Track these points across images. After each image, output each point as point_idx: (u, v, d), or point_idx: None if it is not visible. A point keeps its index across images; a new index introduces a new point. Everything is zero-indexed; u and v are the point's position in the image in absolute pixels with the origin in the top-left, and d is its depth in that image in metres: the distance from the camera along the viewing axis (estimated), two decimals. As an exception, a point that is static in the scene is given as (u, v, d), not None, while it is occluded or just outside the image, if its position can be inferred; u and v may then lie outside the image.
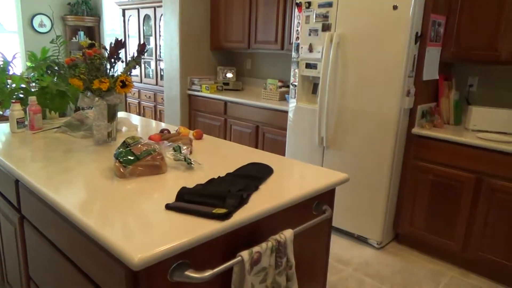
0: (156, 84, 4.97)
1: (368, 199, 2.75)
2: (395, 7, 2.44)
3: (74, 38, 6.50)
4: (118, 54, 1.83)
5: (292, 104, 3.09)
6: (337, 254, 2.69)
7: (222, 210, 1.10)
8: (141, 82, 5.24)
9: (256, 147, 3.68)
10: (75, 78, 1.73)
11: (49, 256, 1.36)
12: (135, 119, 2.52)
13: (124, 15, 5.36)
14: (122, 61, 1.89)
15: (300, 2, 2.88)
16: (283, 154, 3.35)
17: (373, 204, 2.73)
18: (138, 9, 5.06)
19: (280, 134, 3.43)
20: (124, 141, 1.46)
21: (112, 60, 1.83)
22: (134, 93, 5.34)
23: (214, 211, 1.10)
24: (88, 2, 6.50)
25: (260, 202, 1.22)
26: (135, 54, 1.86)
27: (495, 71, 2.80)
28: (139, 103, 5.28)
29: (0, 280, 2.11)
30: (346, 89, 2.74)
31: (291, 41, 3.56)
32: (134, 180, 1.36)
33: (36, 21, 6.18)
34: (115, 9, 6.03)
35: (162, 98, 4.83)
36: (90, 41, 1.83)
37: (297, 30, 2.96)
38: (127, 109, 5.55)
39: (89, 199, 1.19)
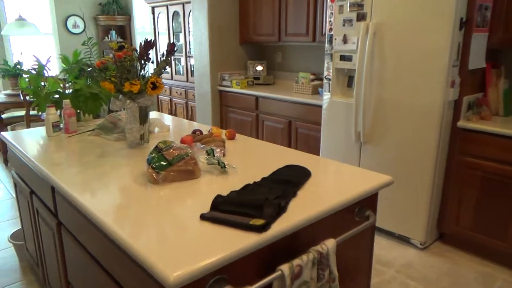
0: (187, 81, 4.96)
1: (410, 197, 2.60)
2: (437, -8, 2.26)
3: (106, 37, 6.60)
4: (148, 54, 1.79)
5: (326, 98, 2.97)
6: (378, 255, 2.58)
7: (259, 221, 1.03)
8: (172, 79, 5.25)
9: (289, 143, 3.59)
10: (106, 81, 1.70)
11: (85, 263, 1.35)
12: (167, 119, 2.49)
13: (153, 13, 5.38)
14: (152, 62, 1.86)
15: (333, -9, 2.75)
16: (317, 150, 3.24)
17: (416, 202, 2.58)
18: (167, 6, 5.05)
19: (314, 129, 3.33)
20: (156, 146, 1.42)
21: (142, 61, 1.79)
22: (165, 90, 5.36)
23: (251, 222, 1.03)
24: (118, 2, 6.58)
25: (299, 210, 1.14)
26: (165, 54, 1.82)
27: (550, 57, 2.57)
28: (170, 100, 5.30)
29: (42, 282, 2.15)
30: (384, 81, 2.59)
31: (323, 33, 3.43)
32: (167, 186, 1.32)
33: (70, 23, 6.32)
34: (145, 7, 6.06)
35: (193, 95, 4.82)
36: (120, 43, 1.80)
37: (330, 21, 2.83)
38: (159, 106, 5.60)
39: (122, 207, 1.16)
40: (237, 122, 4.12)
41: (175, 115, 5.26)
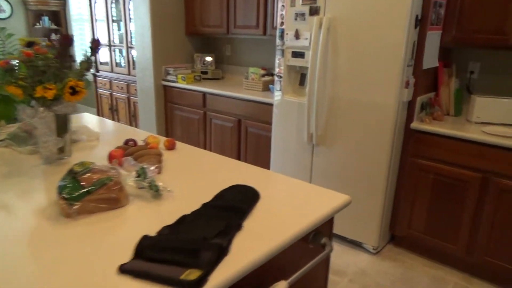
0: (129, 74, 4.58)
1: (363, 201, 2.51)
2: (392, -13, 2.14)
3: (37, 24, 5.99)
4: (67, 52, 1.50)
5: (277, 97, 2.79)
6: (331, 263, 2.47)
7: (194, 274, 0.82)
8: (112, 71, 4.84)
9: (239, 143, 3.39)
10: (11, 85, 1.39)
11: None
12: (99, 123, 2.19)
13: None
14: (74, 61, 1.57)
15: (284, -18, 2.55)
16: (268, 151, 3.07)
17: (369, 205, 2.49)
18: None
19: (265, 128, 3.15)
20: (70, 169, 1.15)
21: (62, 60, 1.49)
22: (105, 83, 4.94)
23: (183, 276, 0.82)
24: (51, -17, 5.96)
25: (246, 249, 0.94)
26: (88, 52, 1.53)
27: (498, 56, 2.56)
28: (111, 94, 4.89)
29: None
30: (338, 81, 2.45)
31: (274, 26, 3.24)
32: (83, 221, 1.07)
33: (-6, 6, 5.64)
34: (82, -9, 5.55)
35: (135, 89, 4.45)
36: (29, 39, 1.49)
37: (282, 14, 2.64)
38: (98, 102, 5.16)
39: (11, 264, 0.89)
40: (183, 120, 3.84)
41: (116, 111, 4.86)
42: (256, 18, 3.37)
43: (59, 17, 6.13)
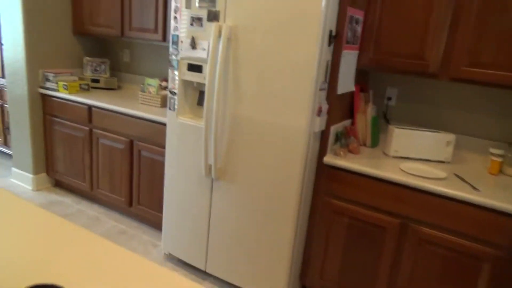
0: (2, 76, 3.74)
1: (269, 245, 2.10)
2: (303, -5, 1.77)
3: None
4: None
5: (171, 118, 2.29)
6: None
7: None
8: (3, 76, 3.94)
9: (131, 168, 2.81)
10: None
11: None
12: None
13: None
14: None
15: (178, -22, 2.07)
16: (163, 179, 2.54)
17: (276, 252, 2.08)
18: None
19: (161, 153, 2.62)
20: None
21: None
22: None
23: None
24: None
25: None
26: None
27: (417, 83, 2.33)
28: (1, 106, 3.98)
29: None
30: (241, 102, 2.02)
31: (175, 31, 2.73)
32: None
33: None
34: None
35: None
36: None
37: (175, 17, 2.15)
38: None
39: None
40: (65, 137, 3.15)
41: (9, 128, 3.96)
42: (154, 20, 2.84)
43: None
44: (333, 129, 2.06)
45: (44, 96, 3.20)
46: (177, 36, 2.15)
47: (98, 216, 3.00)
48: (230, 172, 2.13)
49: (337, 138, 2.12)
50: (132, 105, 2.84)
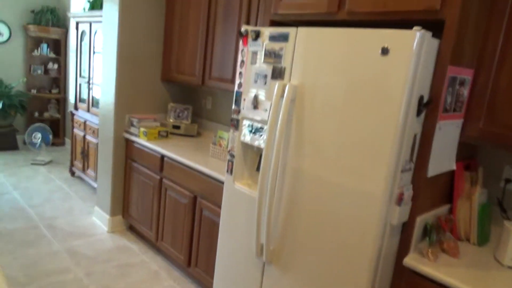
0: (88, 111, 4.02)
1: None
2: (384, 51, 1.39)
3: (36, 51, 5.65)
4: None
5: (228, 182, 2.04)
6: None
7: None
8: (88, 111, 4.29)
9: (192, 226, 2.62)
10: None
11: None
12: None
13: (77, 28, 4.47)
14: None
15: (246, 31, 1.86)
16: (218, 248, 2.28)
17: None
18: (90, 23, 4.16)
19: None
20: None
21: None
22: (80, 124, 4.38)
23: None
24: (54, 11, 5.66)
25: None
26: None
27: (552, 164, 1.71)
28: (84, 137, 4.31)
29: None
30: (301, 176, 1.68)
31: (250, 83, 2.53)
32: None
33: (-9, 30, 5.37)
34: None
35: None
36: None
37: (240, 72, 1.94)
38: (73, 143, 4.59)
39: None
40: (140, 183, 3.14)
41: (87, 157, 4.26)
42: (232, 70, 2.70)
43: (59, 46, 5.78)
44: (420, 220, 1.57)
45: (127, 140, 3.27)
46: (240, 93, 1.93)
47: (159, 272, 2.86)
48: (285, 257, 1.76)
49: (426, 232, 1.61)
50: (202, 157, 2.69)
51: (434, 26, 1.49)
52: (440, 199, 1.71)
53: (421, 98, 1.43)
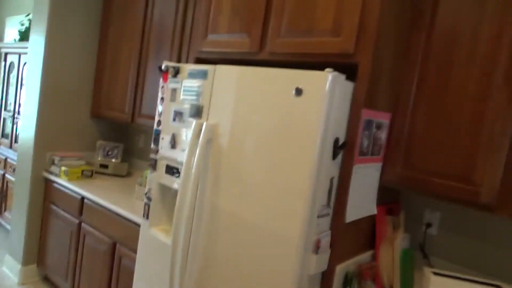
0: (10, 147, 3.70)
1: None
2: (298, 92, 1.35)
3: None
4: None
5: (144, 228, 1.86)
6: None
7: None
8: (11, 147, 3.95)
9: (110, 278, 2.37)
10: None
11: None
12: None
13: (5, 60, 4.19)
14: None
15: (166, 67, 1.78)
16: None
17: None
18: (19, 54, 3.92)
19: (140, 263, 2.16)
20: None
21: None
22: (0, 161, 4.01)
23: None
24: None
25: None
26: None
27: (467, 208, 1.73)
28: (3, 176, 3.93)
29: None
30: (218, 222, 1.56)
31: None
32: None
33: None
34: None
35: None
36: None
37: (159, 111, 1.83)
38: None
39: None
40: (57, 229, 2.85)
41: (5, 198, 3.86)
42: (162, 108, 2.58)
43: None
44: (340, 269, 1.49)
45: (47, 180, 2.99)
46: (159, 132, 1.81)
47: (70, 329, 2.53)
48: (199, 312, 1.59)
49: (347, 282, 1.53)
50: (127, 199, 2.49)
51: (351, 70, 1.50)
52: (362, 245, 1.66)
53: (336, 140, 1.39)
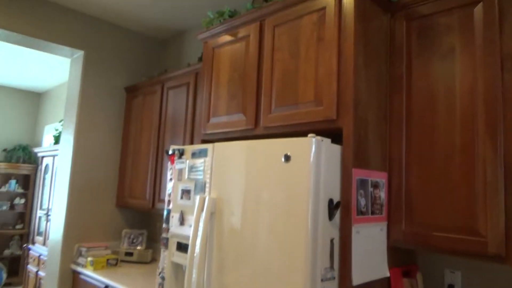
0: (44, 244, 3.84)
1: None
2: (287, 158, 1.44)
3: (3, 187, 5.66)
4: None
5: (158, 309, 1.87)
6: None
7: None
8: (44, 244, 4.12)
9: None
10: None
11: None
12: None
13: (41, 163, 4.58)
14: None
15: (173, 150, 1.94)
16: None
17: None
18: (53, 156, 4.29)
19: None
20: None
21: None
22: (34, 259, 4.16)
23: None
24: (26, 148, 5.86)
25: None
26: None
27: (483, 264, 1.64)
28: (36, 273, 4.04)
29: None
30: (226, 294, 1.55)
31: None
32: None
33: (-40, 168, 5.44)
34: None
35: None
36: None
37: (169, 191, 1.95)
38: (25, 281, 4.28)
39: None
40: (83, 321, 2.85)
41: (37, 294, 3.93)
42: (178, 191, 2.71)
43: (29, 181, 5.82)
44: (354, 338, 1.41)
45: (74, 272, 3.07)
46: (169, 211, 1.91)
47: None
48: None
49: None
50: (149, 286, 2.51)
51: (338, 134, 1.59)
52: (379, 311, 1.58)
53: (331, 201, 1.43)
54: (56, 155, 4.21)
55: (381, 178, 1.62)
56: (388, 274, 1.61)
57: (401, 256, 1.71)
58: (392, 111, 1.66)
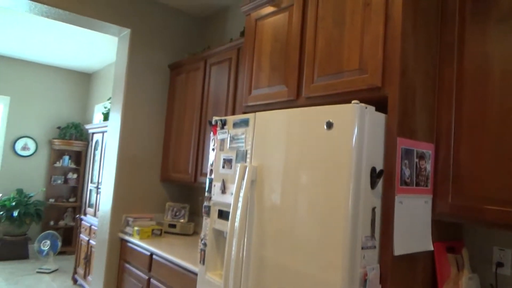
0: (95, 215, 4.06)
1: None
2: (329, 125, 1.42)
3: (57, 162, 6.04)
4: None
5: (200, 274, 1.94)
6: None
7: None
8: (95, 215, 4.37)
9: (174, 330, 2.42)
10: None
11: None
12: None
13: (92, 139, 4.82)
14: None
15: (215, 120, 1.97)
16: None
17: None
18: (103, 133, 4.50)
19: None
20: None
21: None
22: (86, 229, 4.43)
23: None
24: (78, 126, 6.20)
25: None
26: None
27: (541, 241, 1.55)
28: (88, 242, 4.31)
29: None
30: (265, 267, 1.58)
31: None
32: None
33: (19, 144, 5.85)
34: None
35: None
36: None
37: (211, 161, 1.99)
38: (78, 249, 4.58)
39: None
40: (130, 286, 3.01)
41: (89, 262, 4.20)
42: (220, 165, 2.76)
43: (81, 157, 6.17)
44: (394, 308, 1.40)
45: (122, 240, 3.25)
46: (211, 180, 1.96)
47: None
48: None
49: (405, 323, 1.43)
50: (191, 254, 2.60)
51: (384, 103, 1.54)
52: (422, 285, 1.55)
53: (373, 169, 1.41)
54: (105, 131, 4.41)
55: (427, 149, 1.57)
56: (431, 248, 1.56)
57: (446, 231, 1.66)
58: (442, 79, 1.59)
